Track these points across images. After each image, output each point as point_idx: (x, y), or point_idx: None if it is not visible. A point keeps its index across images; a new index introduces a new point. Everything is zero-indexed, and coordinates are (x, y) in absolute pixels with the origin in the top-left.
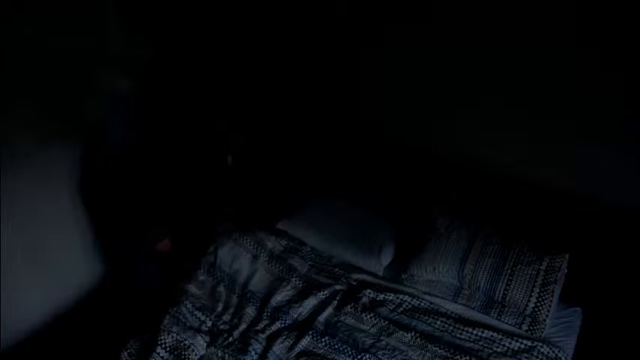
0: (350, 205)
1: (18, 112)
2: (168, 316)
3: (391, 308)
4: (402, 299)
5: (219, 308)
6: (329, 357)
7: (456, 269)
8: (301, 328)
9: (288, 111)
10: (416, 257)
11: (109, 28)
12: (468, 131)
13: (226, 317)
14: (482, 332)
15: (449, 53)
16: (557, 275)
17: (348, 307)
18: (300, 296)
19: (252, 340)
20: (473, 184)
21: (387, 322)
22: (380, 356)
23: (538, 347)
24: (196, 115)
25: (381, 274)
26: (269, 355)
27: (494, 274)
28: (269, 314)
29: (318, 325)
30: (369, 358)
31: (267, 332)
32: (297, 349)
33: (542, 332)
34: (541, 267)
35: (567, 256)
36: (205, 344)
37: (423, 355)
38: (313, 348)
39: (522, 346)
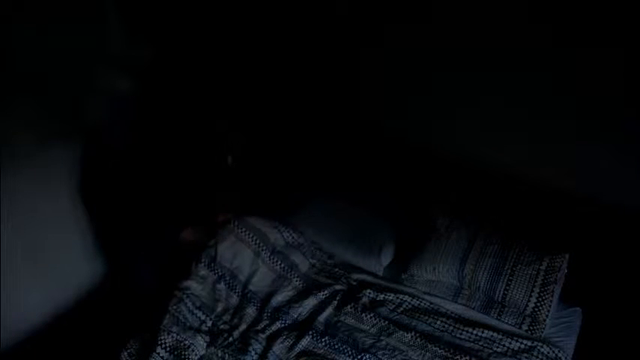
0: (350, 205)
1: (18, 112)
2: (168, 316)
3: (391, 308)
4: (402, 299)
5: (220, 308)
6: (329, 357)
7: (456, 269)
8: (301, 328)
9: (288, 111)
10: (416, 257)
11: (109, 28)
12: (468, 131)
13: (226, 317)
14: (482, 332)
15: (448, 53)
16: (557, 275)
17: (348, 307)
18: (300, 296)
19: (252, 340)
20: (473, 184)
21: (387, 322)
22: (380, 356)
23: (538, 347)
24: (196, 114)
25: (381, 274)
26: (269, 355)
27: (494, 274)
28: (269, 314)
29: (318, 325)
30: (369, 358)
31: (267, 332)
32: (297, 349)
33: (542, 332)
34: (541, 267)
35: (567, 256)
36: (205, 344)
37: (423, 355)
38: (313, 348)
39: (522, 346)
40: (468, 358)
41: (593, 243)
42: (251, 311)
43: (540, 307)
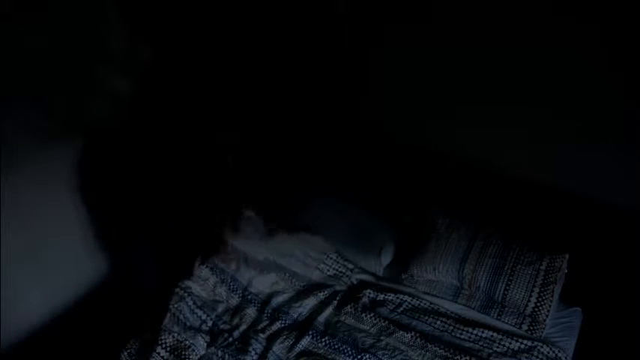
0: (350, 205)
1: (18, 112)
2: (169, 315)
3: (391, 308)
4: (402, 299)
5: (220, 308)
6: (329, 357)
7: (456, 269)
8: (301, 328)
9: (288, 111)
10: (416, 257)
11: (109, 28)
12: (468, 131)
13: (227, 317)
14: (483, 332)
15: (448, 53)
16: (557, 275)
17: (348, 307)
18: (300, 296)
19: (252, 340)
20: (473, 184)
21: (387, 322)
22: (380, 356)
23: (538, 347)
24: (196, 114)
25: (381, 274)
26: (269, 355)
27: (494, 274)
28: (269, 314)
29: (318, 325)
30: (369, 358)
31: (268, 332)
32: (297, 349)
33: (542, 332)
34: (541, 267)
35: (567, 256)
36: (205, 344)
37: (423, 355)
38: (313, 348)
39: (522, 346)
40: (468, 358)
41: (593, 243)
42: (251, 311)
43: (540, 307)
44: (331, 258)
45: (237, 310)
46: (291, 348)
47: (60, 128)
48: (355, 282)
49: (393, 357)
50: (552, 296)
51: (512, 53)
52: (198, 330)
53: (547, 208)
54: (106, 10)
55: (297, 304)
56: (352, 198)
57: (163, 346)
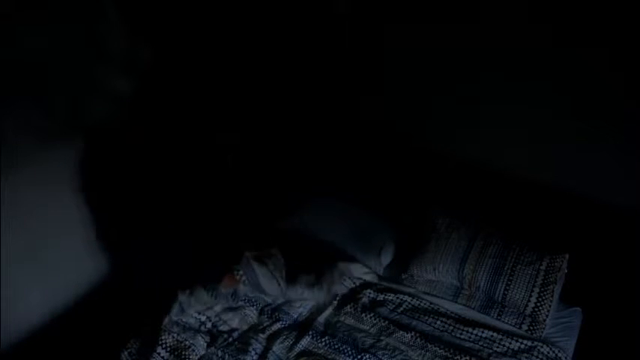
0: (350, 205)
1: (18, 112)
2: (168, 316)
3: (391, 308)
4: (402, 299)
5: (220, 309)
6: (329, 357)
7: (456, 269)
8: (301, 328)
9: (288, 111)
10: (416, 257)
11: (109, 28)
12: (468, 131)
13: (226, 317)
14: (483, 332)
15: (447, 54)
16: (557, 275)
17: (348, 307)
18: None
19: (252, 340)
20: (473, 184)
21: (387, 322)
22: (380, 356)
23: (538, 347)
24: (196, 114)
25: (381, 274)
26: (269, 355)
27: (494, 274)
28: (269, 314)
29: (318, 325)
30: (369, 358)
31: (267, 332)
32: (297, 349)
33: (542, 332)
34: (541, 267)
35: (567, 256)
36: (205, 344)
37: (423, 355)
38: (313, 348)
39: (522, 346)
40: (468, 358)
41: (593, 243)
42: (251, 312)
43: (540, 307)
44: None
45: (237, 311)
46: (291, 348)
47: (60, 128)
48: (355, 282)
49: (393, 357)
50: (552, 296)
51: (512, 53)
52: (198, 330)
53: (547, 208)
54: (106, 10)
55: (297, 304)
56: (352, 198)
57: (164, 346)
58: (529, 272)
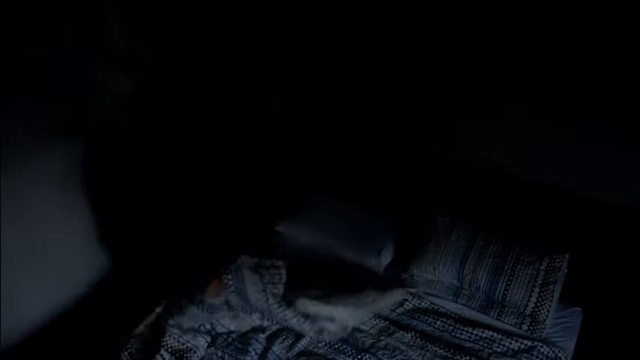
0: (350, 205)
1: (18, 112)
2: (169, 317)
3: (391, 308)
4: (402, 299)
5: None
6: (329, 357)
7: (456, 269)
8: None
9: (288, 111)
10: (416, 257)
11: (109, 28)
12: (468, 132)
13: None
14: (483, 332)
15: (447, 54)
16: (557, 275)
17: None
18: None
19: (252, 340)
20: (473, 184)
21: (387, 322)
22: (380, 356)
23: (538, 347)
24: (196, 114)
25: (381, 274)
26: (269, 355)
27: (494, 274)
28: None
29: None
30: (369, 358)
31: (267, 332)
32: (296, 349)
33: (542, 332)
34: (541, 267)
35: (567, 256)
36: (206, 344)
37: (423, 355)
38: (313, 348)
39: (522, 346)
40: (468, 358)
41: (593, 243)
42: (250, 319)
43: (540, 307)
44: None
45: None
46: (290, 348)
47: (60, 128)
48: None
49: (393, 357)
50: (552, 296)
51: (512, 53)
52: (198, 330)
53: (547, 208)
54: (106, 10)
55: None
56: (352, 198)
57: (165, 347)
58: (529, 272)
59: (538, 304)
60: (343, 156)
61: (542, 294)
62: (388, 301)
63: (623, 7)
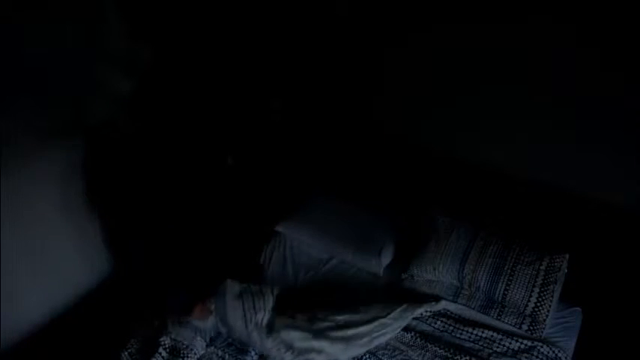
0: (350, 205)
1: (19, 112)
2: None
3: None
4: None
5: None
6: None
7: (456, 269)
8: None
9: (287, 111)
10: (416, 257)
11: (109, 28)
12: (468, 132)
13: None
14: (483, 332)
15: (446, 54)
16: (557, 275)
17: None
18: None
19: None
20: (473, 184)
21: None
22: (380, 356)
23: (538, 347)
24: (195, 115)
25: (381, 274)
26: None
27: (494, 274)
28: None
29: None
30: (369, 357)
31: None
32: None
33: (543, 332)
34: (541, 267)
35: (567, 256)
36: (205, 344)
37: (423, 355)
38: None
39: (522, 346)
40: (468, 358)
41: (593, 243)
42: None
43: (540, 307)
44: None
45: None
46: None
47: (60, 128)
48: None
49: (393, 357)
50: (552, 296)
51: (512, 53)
52: (198, 330)
53: (547, 208)
54: (106, 10)
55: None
56: (352, 198)
57: (164, 346)
58: (529, 272)
59: (538, 304)
60: (343, 156)
61: (542, 294)
62: (384, 338)
63: (622, 7)
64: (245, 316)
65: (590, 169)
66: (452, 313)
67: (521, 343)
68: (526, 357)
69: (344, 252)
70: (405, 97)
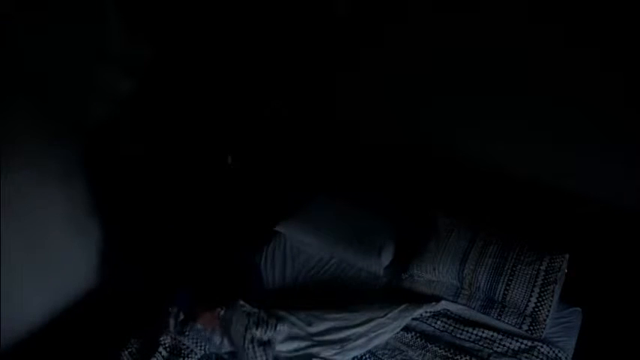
0: (350, 205)
1: (19, 112)
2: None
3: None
4: None
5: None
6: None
7: (456, 269)
8: None
9: (287, 111)
10: (416, 257)
11: (109, 28)
12: (468, 132)
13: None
14: (483, 332)
15: (445, 54)
16: (557, 275)
17: None
18: None
19: None
20: (473, 184)
21: None
22: (380, 356)
23: (538, 347)
24: (195, 115)
25: (381, 274)
26: None
27: (494, 274)
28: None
29: None
30: (369, 357)
31: None
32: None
33: (543, 332)
34: (541, 267)
35: (567, 256)
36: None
37: (423, 355)
38: None
39: (522, 346)
40: (468, 358)
41: (593, 243)
42: None
43: (540, 307)
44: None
45: None
46: None
47: (60, 128)
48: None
49: (393, 357)
50: (552, 296)
51: (512, 53)
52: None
53: (547, 208)
54: (106, 10)
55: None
56: (352, 198)
57: (164, 346)
58: (529, 272)
59: (538, 304)
60: (343, 156)
61: (542, 294)
62: (382, 338)
63: (622, 6)
64: (245, 335)
65: (590, 169)
66: (452, 313)
67: (522, 343)
68: (526, 357)
69: (344, 252)
70: (405, 97)
